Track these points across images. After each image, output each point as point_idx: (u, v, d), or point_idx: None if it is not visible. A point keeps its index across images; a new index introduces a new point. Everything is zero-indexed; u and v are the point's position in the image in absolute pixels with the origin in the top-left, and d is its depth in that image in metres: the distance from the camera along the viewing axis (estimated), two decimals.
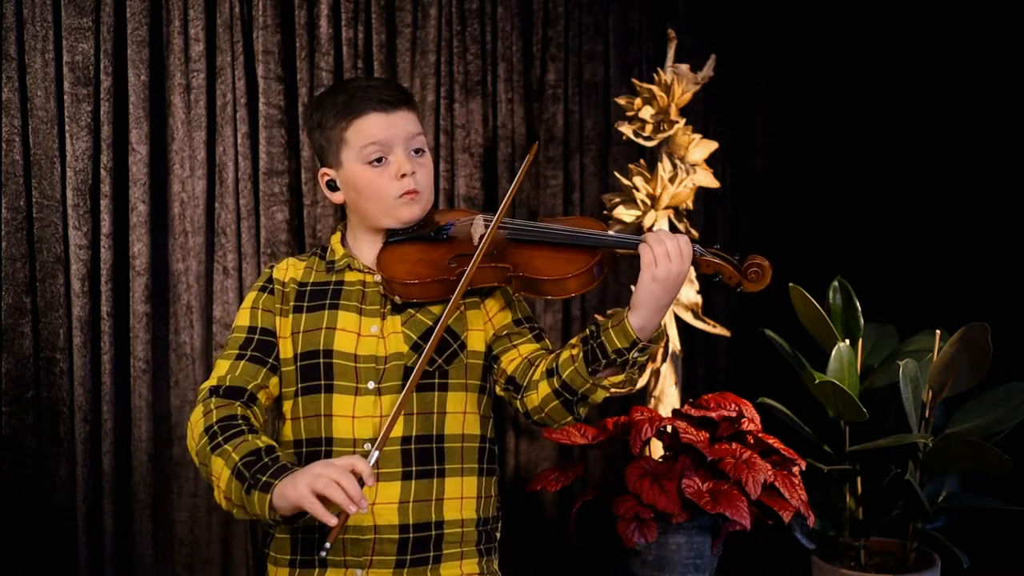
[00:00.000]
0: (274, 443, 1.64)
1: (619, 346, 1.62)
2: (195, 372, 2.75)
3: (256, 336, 1.77)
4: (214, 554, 2.78)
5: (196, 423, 1.69)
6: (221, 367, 1.75)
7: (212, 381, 1.74)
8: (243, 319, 1.80)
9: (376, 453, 1.53)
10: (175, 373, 2.75)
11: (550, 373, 1.68)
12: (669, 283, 1.61)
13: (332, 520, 1.46)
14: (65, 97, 2.61)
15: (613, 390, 1.68)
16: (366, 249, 1.83)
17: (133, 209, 2.68)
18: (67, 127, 2.61)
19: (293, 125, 2.82)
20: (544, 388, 1.69)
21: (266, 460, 1.58)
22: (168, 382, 2.76)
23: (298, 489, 1.48)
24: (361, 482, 1.47)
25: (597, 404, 1.71)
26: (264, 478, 1.55)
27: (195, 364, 2.75)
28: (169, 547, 2.77)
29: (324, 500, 1.47)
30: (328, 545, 1.47)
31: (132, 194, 2.68)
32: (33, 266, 2.63)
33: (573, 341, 1.69)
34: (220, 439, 1.64)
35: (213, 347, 2.77)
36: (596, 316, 3.01)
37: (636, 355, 1.63)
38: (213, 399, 1.71)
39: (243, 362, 1.75)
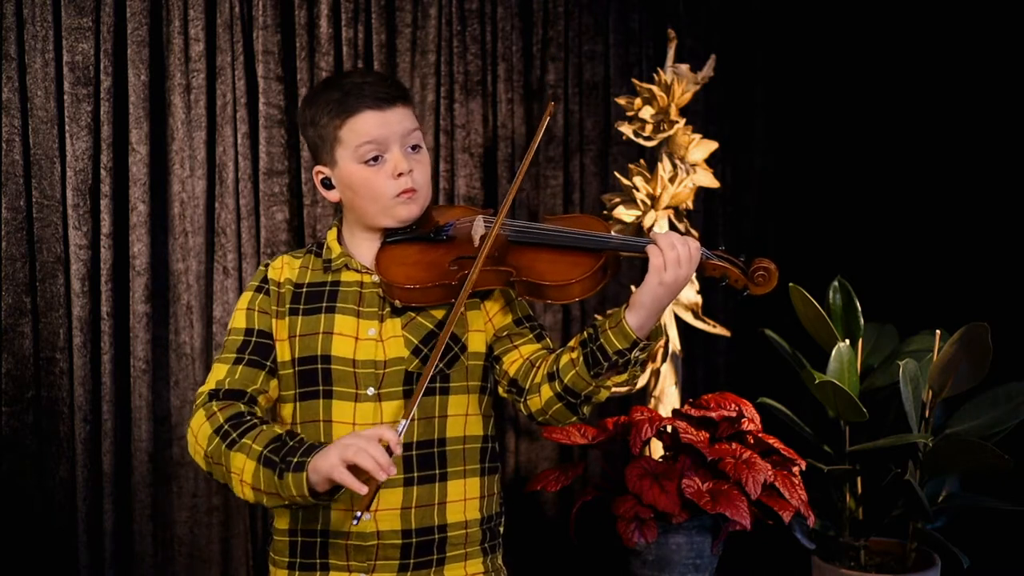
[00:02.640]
0: (292, 429, 1.64)
1: (619, 347, 1.60)
2: (195, 372, 2.75)
3: (253, 339, 1.74)
4: (214, 554, 2.78)
5: (200, 428, 1.66)
6: (219, 371, 1.72)
7: (210, 385, 1.71)
8: (239, 321, 1.77)
9: (404, 423, 1.54)
10: (175, 373, 2.75)
11: (551, 377, 1.67)
12: (675, 287, 1.60)
13: (363, 488, 1.47)
14: (65, 97, 2.61)
15: (615, 389, 1.67)
16: (364, 248, 1.79)
17: (133, 209, 2.68)
18: (67, 127, 2.61)
19: (293, 125, 2.82)
20: (546, 392, 1.67)
21: (291, 444, 1.58)
22: (168, 382, 2.76)
23: (329, 460, 1.49)
24: (389, 451, 1.48)
25: (600, 403, 1.71)
26: (295, 459, 1.55)
27: (195, 364, 2.75)
28: (169, 547, 2.77)
29: (354, 470, 1.48)
30: (359, 514, 1.48)
31: (132, 194, 2.68)
32: (33, 266, 2.63)
33: (572, 344, 1.67)
34: (235, 435, 1.61)
35: (213, 347, 2.77)
36: (596, 316, 3.01)
37: (637, 354, 1.62)
38: (214, 402, 1.68)
39: (241, 366, 1.72)
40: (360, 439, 1.48)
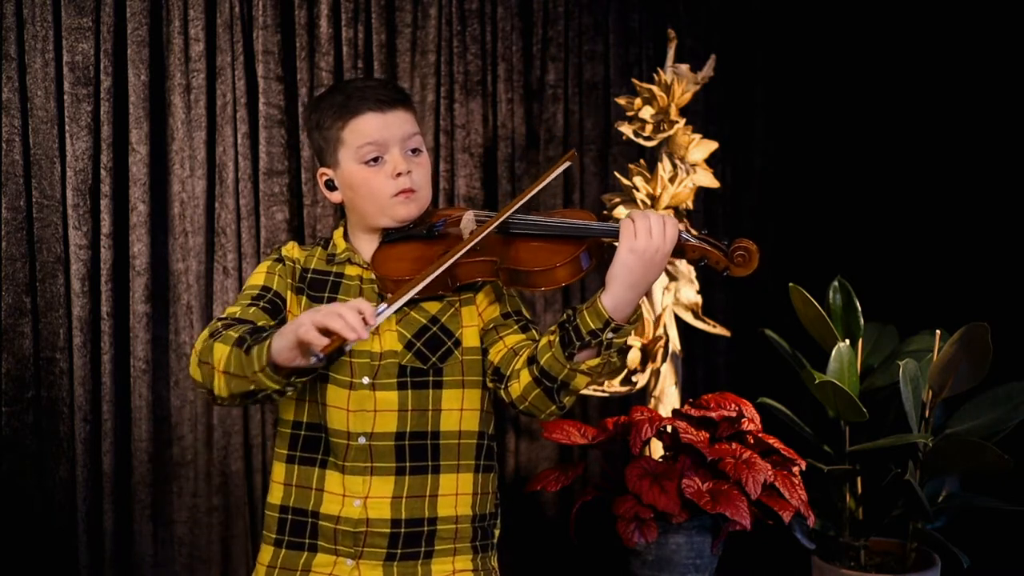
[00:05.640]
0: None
1: (592, 327, 1.60)
2: None
3: (269, 295, 1.77)
4: (214, 554, 2.78)
5: (200, 340, 1.65)
6: (231, 311, 1.74)
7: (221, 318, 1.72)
8: (257, 280, 1.80)
9: (384, 307, 1.51)
10: (175, 373, 2.75)
11: (531, 361, 1.68)
12: (646, 258, 1.59)
13: (323, 341, 1.43)
14: (65, 97, 2.61)
15: (593, 389, 1.67)
16: (364, 248, 1.85)
17: (133, 209, 2.68)
18: (67, 127, 2.61)
19: (293, 125, 2.83)
20: (525, 376, 1.68)
21: (269, 330, 1.58)
22: (168, 382, 2.76)
23: (298, 322, 1.46)
24: (364, 322, 1.44)
25: (581, 394, 1.70)
26: (264, 335, 1.54)
27: None
28: (169, 547, 2.77)
29: (324, 332, 1.44)
30: (320, 355, 1.42)
31: (132, 194, 2.68)
32: (33, 266, 2.63)
33: (552, 328, 1.69)
34: (222, 331, 1.61)
35: None
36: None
37: (611, 336, 1.61)
38: (221, 322, 1.68)
39: (254, 308, 1.74)
40: (335, 306, 1.45)
